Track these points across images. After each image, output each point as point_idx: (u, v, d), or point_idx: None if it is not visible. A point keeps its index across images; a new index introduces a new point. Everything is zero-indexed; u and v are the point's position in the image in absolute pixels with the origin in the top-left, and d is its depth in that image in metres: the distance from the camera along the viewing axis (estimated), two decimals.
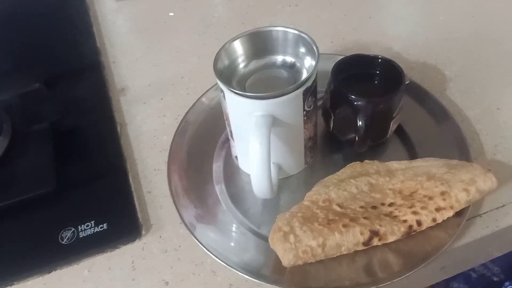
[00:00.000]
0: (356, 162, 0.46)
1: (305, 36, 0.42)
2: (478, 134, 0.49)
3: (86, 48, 0.64)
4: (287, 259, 0.38)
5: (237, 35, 0.43)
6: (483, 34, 0.61)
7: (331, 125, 0.47)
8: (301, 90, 0.39)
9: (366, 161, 0.46)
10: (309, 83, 0.40)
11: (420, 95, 0.51)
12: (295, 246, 0.39)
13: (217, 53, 0.42)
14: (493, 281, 0.98)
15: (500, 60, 0.57)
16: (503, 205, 0.44)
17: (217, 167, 0.49)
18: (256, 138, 0.38)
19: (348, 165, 0.46)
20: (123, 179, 0.48)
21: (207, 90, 0.55)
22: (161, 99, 0.57)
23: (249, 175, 0.43)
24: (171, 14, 0.70)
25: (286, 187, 0.47)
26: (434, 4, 0.67)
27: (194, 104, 0.54)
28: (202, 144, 0.50)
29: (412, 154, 0.47)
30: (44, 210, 0.46)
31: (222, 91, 0.41)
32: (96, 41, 0.65)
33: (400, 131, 0.49)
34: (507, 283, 0.90)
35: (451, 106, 0.51)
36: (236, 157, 0.48)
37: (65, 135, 0.52)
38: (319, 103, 0.48)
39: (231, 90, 0.40)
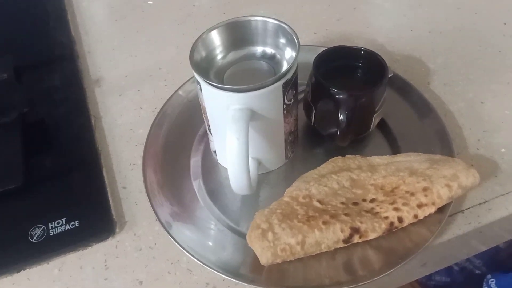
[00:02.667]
0: (338, 157, 0.45)
1: (285, 26, 0.40)
2: (461, 128, 0.48)
3: (60, 37, 0.61)
4: (265, 258, 0.37)
5: (215, 25, 0.41)
6: (467, 27, 0.60)
7: (313, 119, 0.46)
8: (280, 82, 0.38)
9: (348, 155, 0.45)
10: (289, 76, 0.38)
11: (404, 88, 0.50)
12: (273, 244, 0.37)
13: (193, 44, 0.40)
14: (475, 274, 0.98)
15: (484, 54, 0.56)
16: (486, 201, 0.43)
17: (195, 161, 0.47)
18: (234, 133, 0.37)
19: (329, 160, 0.45)
20: (97, 174, 0.46)
21: (185, 82, 0.53)
22: (138, 90, 0.55)
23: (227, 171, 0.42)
24: (150, 2, 0.68)
25: (266, 182, 0.45)
26: None
27: (171, 96, 0.52)
28: (179, 138, 0.49)
29: (395, 148, 0.46)
30: (12, 207, 0.44)
31: (198, 83, 0.39)
32: (71, 29, 0.63)
33: (382, 125, 0.48)
34: (489, 276, 0.90)
35: (434, 100, 0.50)
36: (214, 151, 0.47)
37: (35, 127, 0.50)
38: (301, 96, 0.46)
39: (207, 82, 0.38)
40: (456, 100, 0.51)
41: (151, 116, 0.51)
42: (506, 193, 0.43)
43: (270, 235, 0.38)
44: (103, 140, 0.50)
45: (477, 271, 0.99)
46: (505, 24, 0.59)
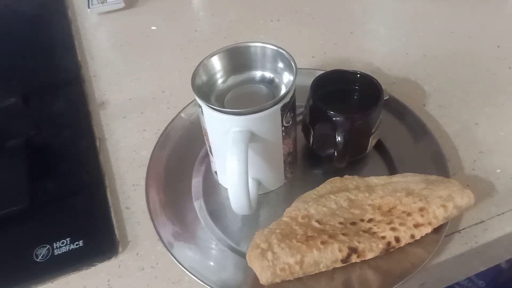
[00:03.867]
0: (336, 178, 0.46)
1: (283, 52, 0.42)
2: (456, 149, 0.50)
3: (67, 62, 0.63)
4: (264, 277, 0.38)
5: (215, 51, 0.43)
6: (461, 50, 0.61)
7: (311, 141, 0.47)
8: (279, 106, 0.39)
9: (346, 176, 0.46)
10: (287, 99, 0.40)
11: (400, 111, 0.52)
12: (272, 264, 0.38)
13: (195, 69, 0.42)
14: None
15: (478, 77, 0.58)
16: (482, 221, 0.44)
17: (196, 182, 0.48)
18: (234, 154, 0.38)
19: (327, 181, 0.46)
20: (101, 194, 0.47)
21: (188, 105, 0.54)
22: (142, 113, 0.57)
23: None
24: (153, 28, 0.70)
25: (266, 202, 0.46)
26: (413, 21, 0.67)
27: (174, 119, 0.53)
28: (181, 159, 0.50)
29: (392, 169, 0.47)
30: (18, 227, 0.45)
31: (200, 106, 0.41)
32: (77, 54, 0.65)
33: (379, 147, 0.49)
34: None
35: (430, 121, 0.52)
36: (215, 172, 0.48)
37: (41, 150, 0.51)
38: (299, 118, 0.48)
39: (209, 106, 0.40)
40: (451, 121, 0.52)
41: (154, 138, 0.52)
42: (502, 213, 0.44)
43: (269, 254, 0.38)
44: (107, 162, 0.51)
45: None
46: (498, 47, 0.61)
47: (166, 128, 0.52)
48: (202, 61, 0.42)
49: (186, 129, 0.53)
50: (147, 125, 0.55)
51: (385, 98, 0.51)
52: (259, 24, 0.69)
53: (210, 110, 0.40)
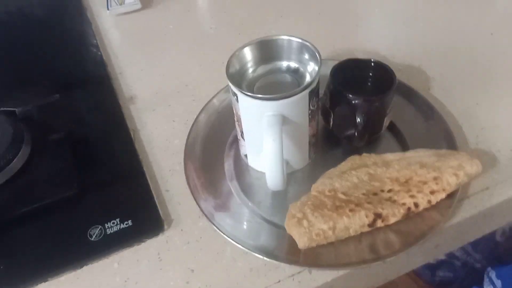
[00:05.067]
0: (355, 156, 0.51)
1: (308, 44, 0.47)
2: (461, 127, 0.55)
3: (94, 61, 0.67)
4: (302, 242, 0.43)
5: (246, 43, 0.48)
6: (458, 38, 0.67)
7: (331, 123, 0.52)
8: (307, 91, 0.44)
9: (364, 154, 0.51)
10: (314, 85, 0.45)
11: (408, 94, 0.57)
12: (308, 230, 0.43)
13: (228, 60, 0.46)
14: (476, 267, 1.04)
15: (474, 61, 0.63)
16: (487, 188, 0.49)
17: (228, 165, 0.53)
18: (270, 135, 0.43)
19: (348, 159, 0.51)
20: (142, 179, 0.52)
21: (214, 96, 0.59)
22: (169, 106, 0.61)
23: (258, 172, 0.49)
24: (171, 26, 0.74)
25: (293, 180, 0.51)
26: (414, 11, 0.73)
27: (202, 109, 0.58)
28: (212, 146, 0.55)
29: (404, 146, 0.53)
30: (71, 212, 0.49)
31: (235, 94, 0.46)
32: (102, 54, 0.69)
33: (392, 127, 0.54)
34: (489, 269, 0.96)
35: (435, 103, 0.57)
36: (245, 155, 0.52)
37: (81, 142, 0.56)
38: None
39: (244, 93, 0.44)
40: (454, 102, 0.58)
41: (184, 128, 0.57)
42: (504, 180, 0.50)
43: (305, 222, 0.43)
44: (143, 150, 0.56)
45: (478, 265, 1.05)
46: (492, 34, 0.67)
47: (196, 118, 0.57)
48: (234, 52, 0.47)
49: (214, 119, 0.57)
50: (175, 116, 0.60)
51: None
52: (269, 21, 0.74)
53: (245, 97, 0.44)
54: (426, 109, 0.55)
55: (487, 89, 0.59)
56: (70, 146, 0.54)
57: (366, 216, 0.44)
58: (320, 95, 0.53)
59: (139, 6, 0.76)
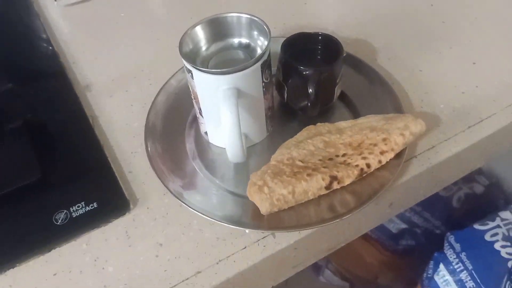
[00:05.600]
0: (311, 126, 0.53)
1: (257, 19, 0.49)
2: (406, 92, 0.58)
3: (44, 53, 0.67)
4: (264, 207, 0.45)
5: (198, 22, 0.49)
6: (400, 10, 0.71)
7: (285, 96, 0.55)
8: (259, 63, 0.46)
9: (319, 123, 0.54)
10: (265, 57, 0.47)
11: (357, 65, 0.60)
12: (269, 196, 0.45)
13: (181, 38, 0.48)
14: (436, 233, 1.10)
15: (416, 31, 0.67)
16: (433, 146, 0.53)
17: (190, 144, 0.54)
18: (227, 108, 0.44)
19: (303, 129, 0.53)
20: (104, 163, 0.53)
21: (171, 77, 0.60)
22: (126, 91, 0.62)
23: (219, 148, 0.51)
24: (122, 14, 0.74)
25: (253, 153, 0.53)
26: None
27: (159, 91, 0.59)
28: (172, 126, 0.56)
29: (356, 114, 0.56)
30: (35, 198, 0.49)
31: (189, 71, 0.47)
32: (53, 45, 0.68)
33: (343, 97, 0.57)
34: (448, 233, 1.01)
35: (382, 72, 0.60)
36: (206, 133, 0.54)
37: (40, 131, 0.55)
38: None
39: (198, 69, 0.46)
40: (400, 70, 0.61)
41: (143, 111, 0.57)
42: (448, 138, 0.54)
43: (266, 189, 0.46)
44: (103, 135, 0.56)
45: (437, 231, 1.10)
46: (432, 5, 0.71)
47: (153, 101, 0.58)
48: (186, 31, 0.48)
49: (172, 100, 0.58)
50: (133, 100, 0.60)
51: (344, 55, 0.60)
52: (220, 2, 0.75)
53: (200, 73, 0.46)
54: (373, 78, 0.58)
55: (430, 56, 0.63)
56: (28, 135, 0.53)
57: (323, 179, 0.47)
58: (274, 71, 0.55)
59: None
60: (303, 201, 0.47)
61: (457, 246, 0.98)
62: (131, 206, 0.49)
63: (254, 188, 0.46)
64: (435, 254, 1.00)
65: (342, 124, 0.54)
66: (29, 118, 0.55)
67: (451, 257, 0.97)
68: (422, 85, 0.59)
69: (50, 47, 0.68)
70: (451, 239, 1.00)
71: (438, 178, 0.56)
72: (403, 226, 1.13)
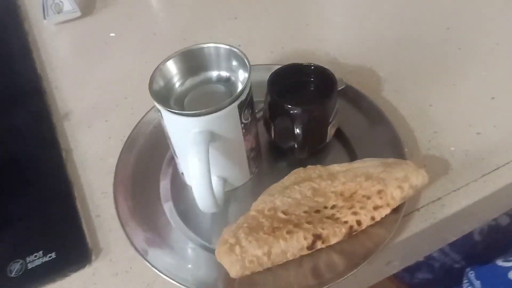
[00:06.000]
0: (300, 168, 0.47)
1: (236, 50, 0.43)
2: (412, 131, 0.52)
3: (26, 74, 0.63)
4: (234, 271, 0.39)
5: (170, 55, 0.44)
6: (411, 34, 0.64)
7: (273, 135, 0.49)
8: (235, 104, 0.40)
9: (309, 166, 0.47)
10: (243, 97, 0.41)
11: (356, 99, 0.53)
12: (241, 257, 0.39)
13: (151, 75, 0.43)
14: (455, 268, 1.02)
15: (428, 59, 0.60)
16: (439, 198, 0.46)
17: (164, 184, 0.49)
18: (195, 155, 0.39)
19: (292, 172, 0.47)
20: (70, 205, 0.48)
21: (151, 109, 0.55)
22: (106, 121, 0.57)
23: None
24: (112, 34, 0.70)
25: (234, 198, 0.48)
26: (365, 8, 0.69)
27: (138, 124, 0.54)
28: (148, 163, 0.51)
29: (352, 155, 0.49)
30: None
31: (159, 111, 0.42)
32: (37, 67, 0.65)
33: (340, 135, 0.51)
34: (468, 269, 0.93)
35: (386, 106, 0.54)
36: (182, 173, 0.49)
37: (5, 164, 0.51)
38: (261, 114, 0.49)
39: (167, 110, 0.40)
40: (406, 105, 0.54)
41: (120, 145, 0.53)
42: (458, 189, 0.47)
43: (237, 248, 0.40)
44: (74, 172, 0.52)
45: (457, 265, 1.02)
46: (448, 29, 0.64)
47: (130, 133, 0.53)
48: (157, 67, 0.43)
49: (151, 133, 0.53)
50: (112, 132, 0.56)
51: (341, 87, 0.53)
52: (216, 23, 0.70)
53: (169, 114, 0.41)
54: (374, 114, 0.52)
55: (442, 89, 0.56)
56: None
57: (305, 238, 0.41)
58: (263, 105, 0.49)
59: (78, 13, 0.71)
60: (281, 262, 0.41)
61: (477, 284, 0.90)
62: (93, 257, 0.44)
63: (224, 248, 0.40)
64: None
65: (336, 167, 0.47)
66: None
67: None
68: (431, 123, 0.52)
69: (34, 70, 0.64)
70: (471, 275, 0.92)
71: (445, 235, 0.49)
72: (420, 259, 1.06)
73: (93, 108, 0.59)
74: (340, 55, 0.61)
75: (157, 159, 0.51)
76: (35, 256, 0.44)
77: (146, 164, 0.51)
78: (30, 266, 0.43)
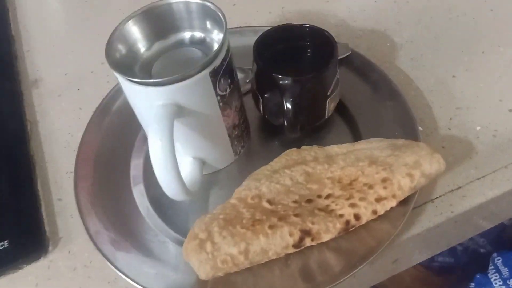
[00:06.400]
0: (293, 149, 0.40)
1: (210, 5, 0.35)
2: (431, 107, 0.44)
3: None
4: (203, 272, 0.33)
5: (129, 15, 0.36)
6: None
7: (261, 109, 0.41)
8: (207, 71, 0.33)
9: (304, 147, 0.40)
10: (217, 62, 0.33)
11: (364, 68, 0.45)
12: (212, 256, 0.33)
13: (108, 39, 0.35)
14: (480, 252, 0.94)
15: (455, 23, 0.51)
16: (459, 187, 0.38)
17: (137, 165, 0.43)
18: (156, 133, 0.32)
19: (283, 153, 0.40)
20: (30, 186, 0.42)
21: None
22: (78, 89, 0.51)
23: None
24: None
25: (215, 183, 0.41)
26: None
27: (109, 92, 0.47)
28: (118, 139, 0.44)
29: (356, 135, 0.42)
30: None
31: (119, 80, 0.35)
32: (11, 28, 0.58)
33: (342, 110, 0.43)
34: (494, 254, 0.86)
35: (401, 77, 0.45)
36: None
37: None
38: (249, 85, 0.42)
39: (126, 78, 0.33)
40: (425, 76, 0.46)
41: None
42: (483, 177, 0.39)
43: (208, 245, 0.33)
44: (39, 148, 0.46)
45: (482, 250, 0.95)
46: None
47: (100, 103, 0.46)
48: (116, 28, 0.36)
49: (124, 104, 0.46)
50: (83, 103, 0.49)
51: (346, 54, 0.45)
52: None
53: (128, 83, 0.33)
54: (384, 87, 0.44)
55: (468, 57, 0.47)
56: None
57: (290, 234, 0.34)
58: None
59: None
60: (261, 262, 0.34)
61: (505, 271, 0.83)
62: (50, 247, 0.39)
63: (192, 244, 0.33)
64: (477, 276, 0.85)
65: (335, 149, 0.40)
66: None
67: (496, 283, 0.81)
68: (453, 97, 0.44)
69: (7, 31, 0.57)
70: (498, 261, 0.84)
71: (464, 229, 0.41)
72: (436, 253, 0.98)
73: (66, 74, 0.52)
74: (350, 17, 0.52)
75: (130, 135, 0.44)
76: None
77: (116, 140, 0.44)
78: None
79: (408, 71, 0.46)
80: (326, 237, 0.34)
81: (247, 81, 0.46)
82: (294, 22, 0.42)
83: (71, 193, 0.42)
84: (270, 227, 0.34)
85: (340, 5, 0.54)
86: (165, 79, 0.32)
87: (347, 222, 0.34)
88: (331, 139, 0.42)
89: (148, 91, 0.33)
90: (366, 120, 0.42)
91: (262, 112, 0.42)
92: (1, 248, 0.38)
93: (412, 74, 0.46)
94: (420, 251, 0.41)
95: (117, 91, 0.47)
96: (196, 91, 0.34)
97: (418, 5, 0.53)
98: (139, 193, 0.41)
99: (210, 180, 0.41)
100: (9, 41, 0.56)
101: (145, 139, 0.44)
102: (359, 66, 0.45)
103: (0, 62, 0.53)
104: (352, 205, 0.35)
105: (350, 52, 0.45)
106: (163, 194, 0.40)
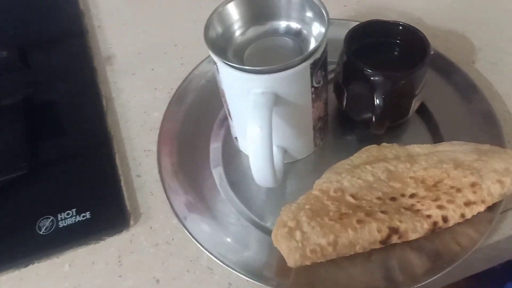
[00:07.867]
0: (373, 146, 0.40)
1: None
2: (510, 113, 0.43)
3: (67, 11, 0.57)
4: (292, 260, 0.33)
5: None
6: None
7: (344, 103, 0.42)
8: (308, 62, 0.33)
9: (384, 144, 0.40)
10: (317, 55, 0.34)
11: (446, 68, 0.45)
12: (302, 245, 0.33)
13: (208, 19, 0.36)
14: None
15: None
16: None
17: (215, 148, 0.43)
18: (255, 121, 0.32)
19: (363, 149, 0.40)
20: (109, 161, 0.43)
21: (203, 61, 0.49)
22: (152, 69, 0.51)
23: None
24: None
25: (294, 172, 0.41)
26: None
27: (188, 76, 0.48)
28: (197, 122, 0.45)
29: (436, 136, 0.42)
30: (19, 196, 0.41)
31: (215, 63, 0.35)
32: (79, 2, 0.59)
33: (423, 110, 0.43)
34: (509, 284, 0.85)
35: (480, 81, 0.45)
36: (236, 138, 0.42)
37: (40, 110, 0.46)
38: (331, 76, 0.42)
39: (225, 63, 0.34)
40: (505, 80, 0.46)
41: (167, 98, 0.47)
42: None
43: (298, 234, 0.34)
44: (115, 124, 0.46)
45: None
46: None
47: (180, 86, 0.47)
48: (216, 9, 0.36)
49: (202, 88, 0.47)
50: (158, 83, 0.50)
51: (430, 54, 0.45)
52: None
53: (227, 68, 0.34)
54: (467, 89, 0.44)
55: None
56: (26, 114, 0.45)
57: (379, 231, 0.34)
58: (334, 66, 0.42)
59: None
60: (347, 255, 0.35)
61: None
62: (132, 222, 0.39)
63: (283, 231, 0.34)
64: (508, 285, 0.84)
65: (416, 149, 0.40)
66: (31, 94, 0.46)
67: None
68: None
69: (76, 5, 0.58)
70: None
71: None
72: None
73: (139, 53, 0.53)
74: (426, 16, 0.52)
75: (208, 118, 0.45)
76: (68, 214, 0.39)
77: (195, 123, 0.45)
78: (61, 224, 0.39)
79: (487, 75, 0.46)
80: (412, 236, 0.35)
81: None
82: (369, 17, 0.42)
83: (149, 171, 0.43)
84: (358, 221, 0.34)
85: (416, 3, 0.54)
86: (267, 67, 0.33)
87: (435, 223, 0.35)
88: (409, 138, 0.42)
89: (249, 78, 0.33)
90: (448, 121, 0.42)
91: (344, 106, 0.42)
92: (84, 218, 0.39)
93: (491, 78, 0.46)
94: (491, 259, 0.41)
95: (195, 76, 0.48)
96: (295, 81, 0.34)
97: (499, 5, 0.52)
98: (218, 176, 0.41)
99: (289, 169, 0.41)
100: (79, 15, 0.57)
101: (222, 124, 0.45)
102: (441, 66, 0.45)
103: (72, 36, 0.54)
104: (440, 207, 0.35)
105: (433, 52, 0.45)
106: (241, 179, 0.41)
